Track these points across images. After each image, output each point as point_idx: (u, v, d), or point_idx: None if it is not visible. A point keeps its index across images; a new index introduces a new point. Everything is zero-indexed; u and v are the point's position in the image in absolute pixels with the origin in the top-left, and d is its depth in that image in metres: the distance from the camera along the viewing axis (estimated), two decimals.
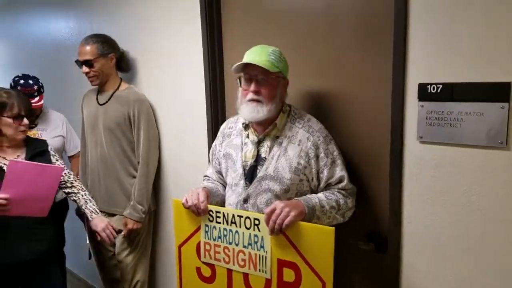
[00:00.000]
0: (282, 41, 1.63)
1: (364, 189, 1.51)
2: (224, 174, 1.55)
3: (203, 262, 1.46)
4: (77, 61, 2.21)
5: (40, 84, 2.50)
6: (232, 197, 1.47)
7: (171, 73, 2.16)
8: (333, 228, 1.22)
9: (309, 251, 1.26)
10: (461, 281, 1.30)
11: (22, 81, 2.42)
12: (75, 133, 2.67)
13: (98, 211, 1.99)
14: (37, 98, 2.43)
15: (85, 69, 2.17)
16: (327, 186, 1.41)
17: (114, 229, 1.95)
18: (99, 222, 1.93)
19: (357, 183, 1.47)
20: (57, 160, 2.01)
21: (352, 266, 1.59)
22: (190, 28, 1.97)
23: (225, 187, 1.58)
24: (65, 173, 1.98)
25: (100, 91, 2.31)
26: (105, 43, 2.21)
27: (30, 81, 2.44)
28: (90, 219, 1.95)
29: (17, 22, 3.58)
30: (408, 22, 1.29)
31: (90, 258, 2.41)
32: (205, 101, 1.98)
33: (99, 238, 1.96)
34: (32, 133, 2.59)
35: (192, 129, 2.10)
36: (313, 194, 1.39)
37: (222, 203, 1.54)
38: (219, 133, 1.62)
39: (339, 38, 1.52)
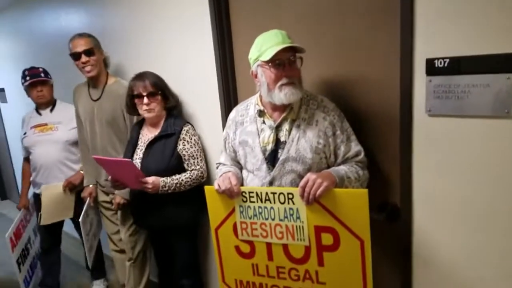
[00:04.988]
0: (291, 23, 1.69)
1: (375, 162, 1.57)
2: (242, 161, 1.58)
3: (241, 240, 1.53)
4: (72, 54, 2.30)
5: (45, 70, 2.77)
6: (255, 181, 1.52)
7: (182, 65, 2.22)
8: (366, 190, 1.29)
9: (344, 214, 1.33)
10: (471, 247, 1.37)
11: (29, 67, 2.75)
12: None
13: None
14: (43, 76, 2.70)
15: (84, 58, 2.26)
16: (345, 161, 1.48)
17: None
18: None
19: (369, 156, 1.53)
20: (187, 143, 2.05)
21: None
22: (200, 22, 2.04)
23: (241, 171, 1.64)
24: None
25: (90, 86, 2.43)
26: (96, 40, 2.35)
27: (36, 66, 2.78)
28: None
29: (29, 17, 3.65)
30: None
31: None
32: (217, 90, 2.06)
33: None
34: (49, 127, 2.71)
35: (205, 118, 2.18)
36: (339, 166, 1.45)
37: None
38: (229, 122, 1.65)
39: (348, 17, 1.56)
